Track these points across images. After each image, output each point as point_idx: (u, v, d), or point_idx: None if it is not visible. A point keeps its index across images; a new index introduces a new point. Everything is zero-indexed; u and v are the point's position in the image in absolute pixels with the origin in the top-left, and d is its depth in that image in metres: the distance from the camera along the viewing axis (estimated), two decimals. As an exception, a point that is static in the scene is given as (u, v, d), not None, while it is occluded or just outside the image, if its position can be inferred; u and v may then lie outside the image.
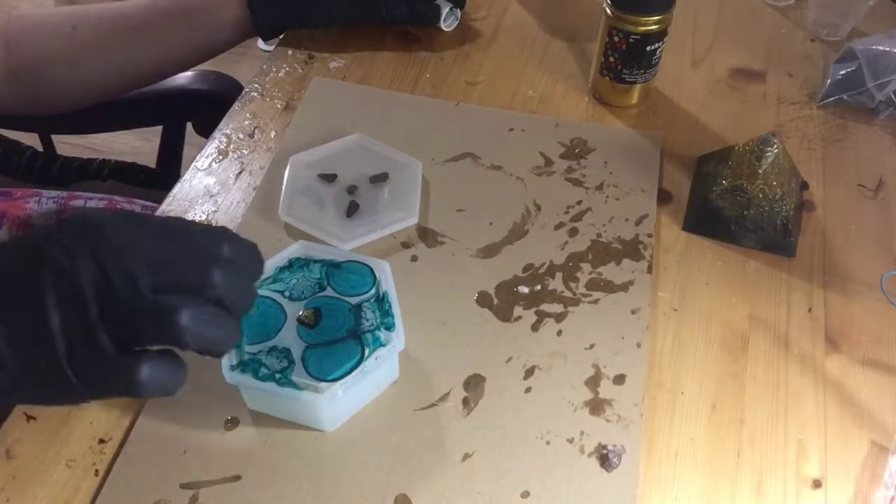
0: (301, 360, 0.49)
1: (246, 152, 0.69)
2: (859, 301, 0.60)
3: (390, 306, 0.51)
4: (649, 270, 0.61)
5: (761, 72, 0.79)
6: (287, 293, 0.52)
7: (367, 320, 0.50)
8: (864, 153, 0.71)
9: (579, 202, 0.66)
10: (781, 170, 0.62)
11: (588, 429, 0.52)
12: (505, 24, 0.83)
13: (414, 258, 0.61)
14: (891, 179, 0.69)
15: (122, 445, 0.50)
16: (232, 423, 0.52)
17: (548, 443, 0.51)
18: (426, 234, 0.63)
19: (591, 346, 0.56)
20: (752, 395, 0.54)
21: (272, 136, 0.70)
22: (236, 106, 0.73)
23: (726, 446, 0.52)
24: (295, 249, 0.54)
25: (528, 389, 0.54)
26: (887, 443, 0.52)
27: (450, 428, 0.52)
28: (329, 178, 0.65)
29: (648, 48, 0.69)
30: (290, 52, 0.79)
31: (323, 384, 0.47)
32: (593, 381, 0.54)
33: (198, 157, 0.68)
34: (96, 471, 0.49)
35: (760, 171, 0.61)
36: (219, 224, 0.62)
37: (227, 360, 0.48)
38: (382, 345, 0.49)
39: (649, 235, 0.63)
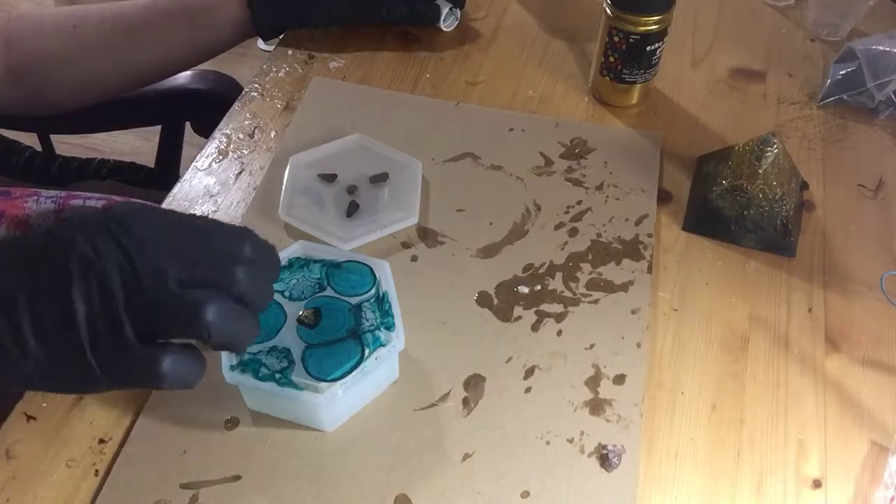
0: (301, 360, 0.49)
1: (246, 152, 0.69)
2: (859, 301, 0.60)
3: (390, 306, 0.51)
4: (649, 270, 0.61)
5: (761, 72, 0.79)
6: (287, 293, 0.52)
7: (367, 320, 0.50)
8: (864, 153, 0.71)
9: (579, 202, 0.66)
10: (781, 170, 0.62)
11: (588, 429, 0.52)
12: (505, 24, 0.83)
13: (414, 258, 0.61)
14: (891, 179, 0.69)
15: (122, 445, 0.50)
16: (232, 423, 0.52)
17: (548, 443, 0.51)
18: (426, 234, 0.63)
19: (591, 346, 0.56)
20: (752, 395, 0.54)
21: (272, 136, 0.70)
22: (236, 106, 0.73)
23: (726, 446, 0.52)
24: (295, 249, 0.54)
25: (528, 389, 0.54)
26: (887, 443, 0.52)
27: (450, 428, 0.52)
28: (329, 178, 0.65)
29: (648, 48, 0.69)
30: (290, 52, 0.79)
31: (323, 384, 0.47)
32: (593, 381, 0.54)
33: (198, 157, 0.68)
34: (96, 471, 0.49)
35: (760, 171, 0.61)
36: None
37: (227, 360, 0.48)
38: (382, 345, 0.49)
39: (649, 235, 0.63)
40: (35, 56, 0.73)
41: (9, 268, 0.38)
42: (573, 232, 0.63)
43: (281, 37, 0.80)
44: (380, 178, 0.65)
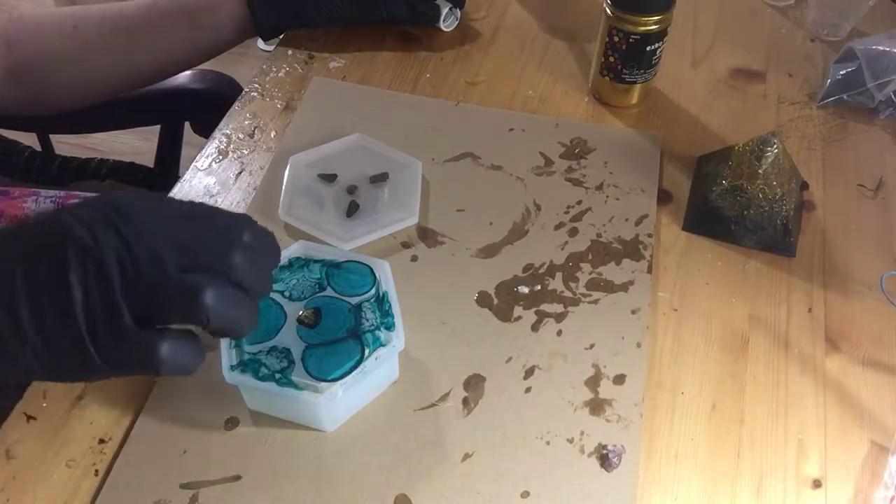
0: (301, 360, 0.49)
1: (246, 152, 0.69)
2: (859, 301, 0.60)
3: (390, 306, 0.51)
4: (649, 270, 0.61)
5: (761, 72, 0.79)
6: (287, 293, 0.52)
7: (367, 320, 0.50)
8: (864, 153, 0.71)
9: (579, 202, 0.66)
10: (781, 170, 0.62)
11: (588, 429, 0.52)
12: (505, 24, 0.83)
13: (414, 258, 0.61)
14: (891, 179, 0.69)
15: (122, 445, 0.50)
16: (232, 423, 0.52)
17: (548, 443, 0.51)
18: (426, 234, 0.63)
19: (591, 346, 0.56)
20: (752, 395, 0.54)
21: (272, 136, 0.70)
22: (236, 106, 0.73)
23: (726, 446, 0.52)
24: (295, 249, 0.54)
25: (528, 389, 0.54)
26: (887, 443, 0.52)
27: (450, 428, 0.52)
28: (329, 178, 0.65)
29: (648, 48, 0.69)
30: (290, 52, 0.79)
31: (323, 384, 0.47)
32: (593, 381, 0.54)
33: (198, 157, 0.68)
34: (96, 471, 0.49)
35: (760, 171, 0.61)
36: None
37: (227, 360, 0.48)
38: (382, 345, 0.49)
39: (649, 235, 0.63)
40: (35, 56, 0.73)
41: (7, 258, 0.38)
42: (573, 232, 0.63)
43: (281, 37, 0.80)
44: (380, 178, 0.65)
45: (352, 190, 0.65)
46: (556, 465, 0.50)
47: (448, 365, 0.55)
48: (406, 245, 0.62)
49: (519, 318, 0.58)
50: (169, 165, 1.00)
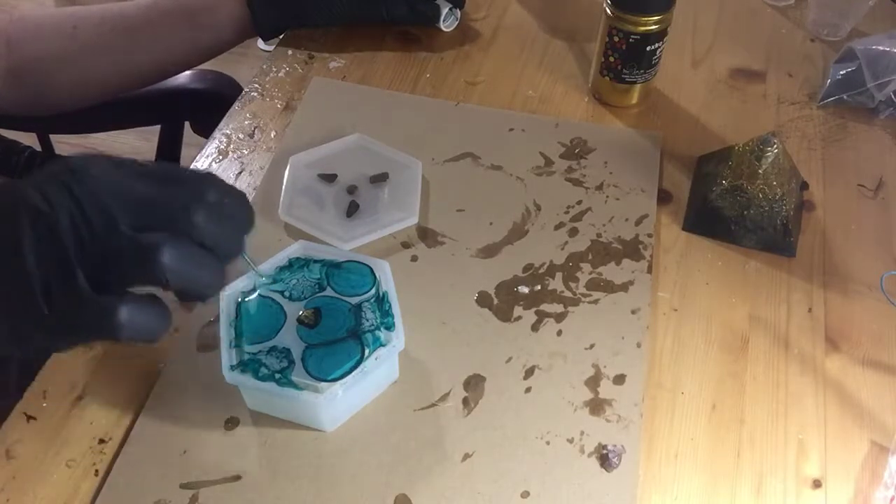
0: (301, 360, 0.49)
1: (246, 152, 0.69)
2: (859, 301, 0.60)
3: (390, 306, 0.51)
4: (649, 270, 0.61)
5: (761, 72, 0.79)
6: (287, 293, 0.52)
7: (367, 320, 0.50)
8: (864, 153, 0.71)
9: (579, 202, 0.66)
10: (781, 170, 0.62)
11: (588, 429, 0.52)
12: (505, 24, 0.83)
13: (414, 258, 0.61)
14: (891, 179, 0.69)
15: (122, 445, 0.50)
16: (232, 423, 0.52)
17: (548, 443, 0.51)
18: (426, 234, 0.63)
19: (591, 346, 0.56)
20: (752, 395, 0.54)
21: (272, 136, 0.70)
22: (236, 106, 0.73)
23: (726, 446, 0.52)
24: (295, 249, 0.54)
25: (528, 389, 0.54)
26: (887, 443, 0.52)
27: (450, 428, 0.52)
28: (329, 178, 0.65)
29: (648, 48, 0.69)
30: (290, 52, 0.79)
31: (323, 384, 0.47)
32: (593, 381, 0.54)
33: (198, 157, 0.68)
34: (96, 471, 0.49)
35: (760, 171, 0.61)
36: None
37: (227, 360, 0.48)
38: (382, 345, 0.49)
39: (649, 235, 0.63)
40: (35, 57, 0.73)
41: None
42: (573, 232, 0.63)
43: (281, 37, 0.80)
44: (380, 178, 0.65)
45: (352, 190, 0.65)
46: (556, 465, 0.50)
47: (448, 365, 0.55)
48: (406, 245, 0.62)
49: (519, 318, 0.58)
50: (168, 165, 1.00)
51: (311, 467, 0.50)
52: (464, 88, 0.75)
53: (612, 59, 0.71)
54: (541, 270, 0.61)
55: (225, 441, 0.51)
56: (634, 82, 0.72)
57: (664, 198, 0.66)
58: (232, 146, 0.69)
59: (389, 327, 0.50)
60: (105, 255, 0.36)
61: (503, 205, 0.65)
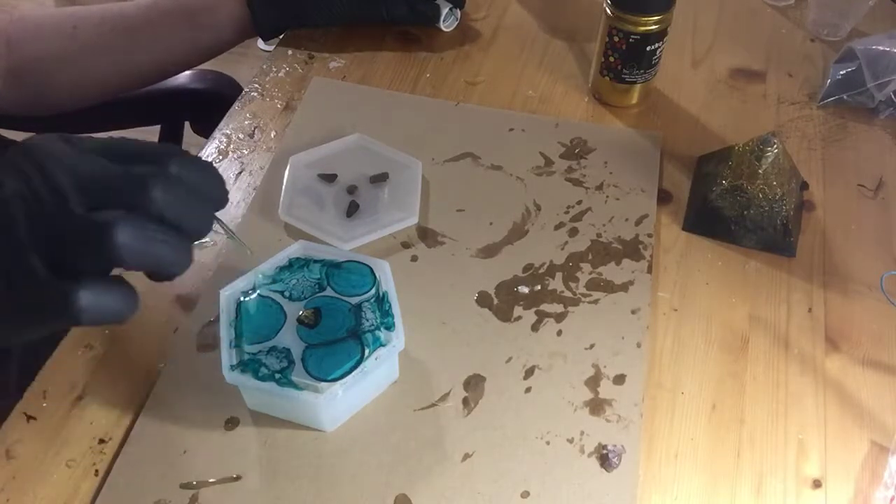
0: (301, 360, 0.49)
1: (246, 152, 0.69)
2: (859, 301, 0.60)
3: (390, 306, 0.51)
4: (649, 270, 0.61)
5: (761, 72, 0.79)
6: (287, 293, 0.52)
7: (367, 320, 0.50)
8: (864, 153, 0.71)
9: (579, 202, 0.66)
10: (781, 170, 0.62)
11: (588, 429, 0.52)
12: (505, 24, 0.83)
13: (414, 258, 0.61)
14: (891, 179, 0.69)
15: (122, 445, 0.50)
16: (232, 423, 0.52)
17: (548, 443, 0.51)
18: (426, 234, 0.63)
19: (591, 346, 0.56)
20: (752, 395, 0.54)
21: (272, 136, 0.70)
22: (236, 106, 0.73)
23: (726, 446, 0.52)
24: (295, 249, 0.54)
25: (528, 389, 0.54)
26: (887, 443, 0.52)
27: (450, 428, 0.52)
28: (329, 178, 0.65)
29: (648, 48, 0.69)
30: (290, 52, 0.79)
31: (323, 384, 0.47)
32: (593, 381, 0.54)
33: (198, 157, 0.68)
34: (96, 471, 0.49)
35: (760, 171, 0.61)
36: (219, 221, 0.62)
37: (227, 360, 0.48)
38: (382, 345, 0.49)
39: (649, 235, 0.63)
40: (35, 57, 0.73)
41: None
42: (573, 232, 0.63)
43: (281, 37, 0.80)
44: (380, 178, 0.65)
45: (352, 190, 0.65)
46: (556, 465, 0.50)
47: (448, 365, 0.55)
48: (406, 245, 0.62)
49: (519, 318, 0.58)
50: (168, 165, 1.00)
51: (311, 467, 0.50)
52: (464, 88, 0.75)
53: (612, 59, 0.71)
54: (541, 270, 0.61)
55: (225, 441, 0.51)
56: (634, 82, 0.72)
57: (664, 198, 0.66)
58: (232, 146, 0.69)
59: (389, 327, 0.50)
60: (57, 234, 0.35)
61: (503, 205, 0.65)
